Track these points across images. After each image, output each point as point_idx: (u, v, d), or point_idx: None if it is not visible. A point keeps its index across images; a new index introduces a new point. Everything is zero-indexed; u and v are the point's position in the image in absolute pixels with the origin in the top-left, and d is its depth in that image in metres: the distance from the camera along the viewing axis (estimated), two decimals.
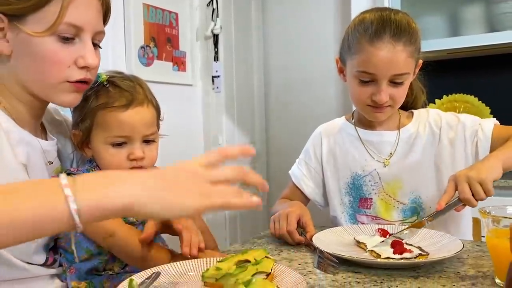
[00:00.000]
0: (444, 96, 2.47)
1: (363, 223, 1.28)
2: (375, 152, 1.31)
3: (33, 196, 0.59)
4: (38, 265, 0.99)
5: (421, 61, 1.26)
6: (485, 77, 2.48)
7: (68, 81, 0.92)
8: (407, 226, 1.09)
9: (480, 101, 2.42)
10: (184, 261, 0.89)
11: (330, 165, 1.38)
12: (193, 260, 0.90)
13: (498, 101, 2.38)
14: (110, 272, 1.11)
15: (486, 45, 2.16)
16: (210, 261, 0.90)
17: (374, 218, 1.29)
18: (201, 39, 2.91)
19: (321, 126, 1.48)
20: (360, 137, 1.34)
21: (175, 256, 0.97)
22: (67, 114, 1.22)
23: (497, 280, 0.82)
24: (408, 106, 1.37)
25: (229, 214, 3.01)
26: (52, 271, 1.05)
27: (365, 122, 1.35)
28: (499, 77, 2.45)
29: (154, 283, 0.77)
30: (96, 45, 0.96)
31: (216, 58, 2.89)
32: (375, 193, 1.29)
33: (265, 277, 0.79)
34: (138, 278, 0.81)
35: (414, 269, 0.91)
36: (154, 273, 0.78)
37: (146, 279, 0.76)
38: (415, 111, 1.37)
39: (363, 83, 1.21)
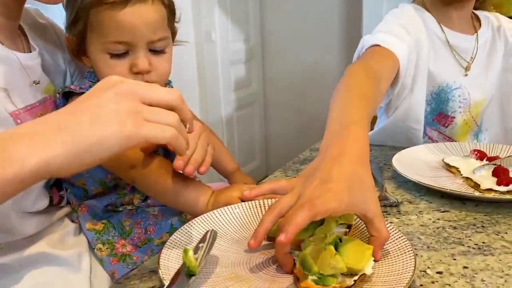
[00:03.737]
0: None
1: (432, 139, 1.11)
2: (461, 58, 1.10)
3: None
4: (41, 212, 0.80)
5: None
6: None
7: None
8: None
9: None
10: (232, 207, 0.71)
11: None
12: (243, 204, 0.72)
13: None
14: (130, 207, 0.94)
15: None
16: (264, 204, 0.72)
17: (448, 138, 1.12)
18: None
19: (410, 6, 1.12)
20: (448, 41, 1.09)
21: (219, 196, 0.78)
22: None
23: None
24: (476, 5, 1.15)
25: (227, 138, 2.86)
26: (60, 213, 0.86)
27: (443, 11, 1.10)
28: None
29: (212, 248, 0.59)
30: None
31: None
32: (460, 112, 1.10)
33: (347, 230, 0.62)
34: (181, 236, 0.63)
35: None
36: (209, 231, 0.60)
37: (200, 242, 0.58)
38: (479, 14, 1.16)
39: None
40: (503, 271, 0.57)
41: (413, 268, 0.52)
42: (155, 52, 0.85)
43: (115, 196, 0.91)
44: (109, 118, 0.49)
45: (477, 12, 1.16)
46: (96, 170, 0.89)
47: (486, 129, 1.16)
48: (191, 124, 0.58)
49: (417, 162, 0.91)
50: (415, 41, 1.02)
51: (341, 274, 0.52)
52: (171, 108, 0.53)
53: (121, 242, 0.89)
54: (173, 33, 0.96)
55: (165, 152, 0.93)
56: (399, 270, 0.53)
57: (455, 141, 1.09)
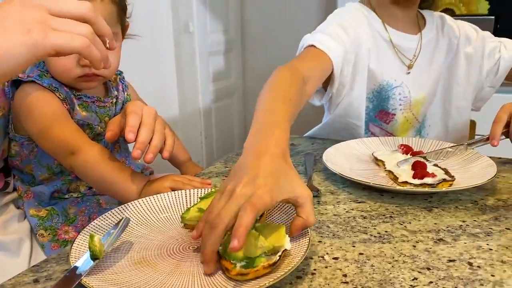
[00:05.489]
0: None
1: (375, 135, 1.16)
2: (404, 56, 1.14)
3: None
4: None
5: None
6: None
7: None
8: (445, 148, 0.94)
9: None
10: (158, 196, 0.75)
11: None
12: (169, 194, 0.76)
13: None
14: (75, 195, 0.98)
15: None
16: (191, 194, 0.76)
17: (389, 134, 1.16)
18: None
19: (355, 6, 1.16)
20: (392, 40, 1.12)
21: (151, 185, 0.82)
22: None
23: None
24: (424, 5, 1.19)
25: (205, 129, 2.87)
26: (6, 199, 0.90)
27: (389, 11, 1.12)
28: None
29: (122, 234, 0.63)
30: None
31: None
32: (401, 110, 1.14)
33: (258, 218, 0.66)
34: (100, 222, 0.67)
35: (426, 198, 0.79)
36: (122, 220, 0.64)
37: (112, 229, 0.62)
38: (424, 13, 1.20)
39: None
40: (393, 257, 0.61)
41: (303, 253, 0.56)
42: None
43: (60, 182, 0.95)
44: (14, 27, 0.49)
45: (423, 11, 1.19)
46: (43, 156, 0.93)
47: (429, 125, 1.20)
48: (111, 39, 0.58)
49: (349, 155, 0.95)
50: (354, 41, 1.06)
51: (265, 254, 0.56)
52: (83, 21, 0.53)
53: (64, 228, 0.93)
54: (124, 27, 1.00)
55: (114, 143, 0.97)
56: (292, 255, 0.57)
57: (396, 137, 1.11)
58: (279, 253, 0.55)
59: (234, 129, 3.23)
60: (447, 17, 1.20)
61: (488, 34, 1.19)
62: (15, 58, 0.49)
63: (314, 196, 0.80)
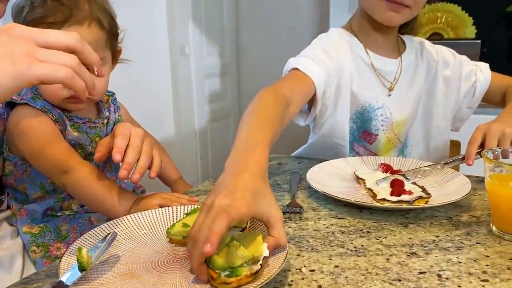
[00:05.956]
0: (426, 5, 2.32)
1: (359, 154, 1.19)
2: (385, 79, 1.18)
3: None
4: None
5: None
6: None
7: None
8: (421, 167, 0.97)
9: (463, 11, 2.30)
10: (146, 212, 0.78)
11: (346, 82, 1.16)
12: (157, 210, 0.79)
13: (480, 10, 2.27)
14: (68, 213, 1.01)
15: None
16: (177, 210, 0.79)
17: (373, 154, 1.20)
18: None
19: (338, 31, 1.21)
20: (373, 64, 1.16)
21: (140, 203, 0.85)
22: None
23: (494, 228, 0.75)
24: (404, 30, 1.24)
25: (200, 150, 2.91)
26: (0, 216, 0.93)
27: (370, 36, 1.17)
28: None
29: (109, 247, 0.66)
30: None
31: None
32: (383, 130, 1.18)
33: (241, 233, 0.69)
34: (89, 237, 0.70)
35: (403, 214, 0.83)
36: (109, 234, 0.67)
37: (100, 242, 0.65)
38: (404, 38, 1.25)
39: None
40: (367, 269, 0.64)
41: (279, 265, 0.59)
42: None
43: (53, 200, 0.98)
44: (1, 59, 0.51)
45: (403, 36, 1.24)
46: (37, 175, 0.96)
47: (411, 145, 1.23)
48: (99, 67, 0.60)
49: (332, 174, 0.99)
50: (337, 65, 1.10)
51: (247, 264, 0.59)
52: (70, 51, 0.55)
53: (56, 245, 0.96)
54: (116, 52, 1.04)
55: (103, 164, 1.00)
56: (271, 266, 0.60)
57: (380, 156, 1.15)
58: (260, 262, 0.59)
59: (229, 150, 3.24)
60: (426, 42, 1.25)
61: (465, 58, 1.24)
62: (0, 87, 0.52)
63: (296, 213, 0.84)
